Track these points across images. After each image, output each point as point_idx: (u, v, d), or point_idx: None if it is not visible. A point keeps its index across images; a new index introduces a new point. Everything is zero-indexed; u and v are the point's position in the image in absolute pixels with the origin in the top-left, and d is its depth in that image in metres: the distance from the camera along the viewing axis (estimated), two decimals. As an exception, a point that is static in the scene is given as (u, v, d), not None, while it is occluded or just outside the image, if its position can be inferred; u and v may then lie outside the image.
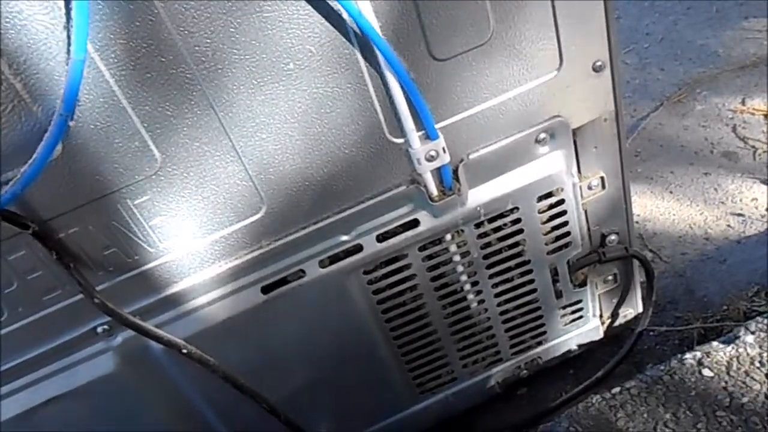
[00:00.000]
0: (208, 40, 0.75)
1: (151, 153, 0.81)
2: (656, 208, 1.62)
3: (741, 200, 1.55)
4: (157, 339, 0.91)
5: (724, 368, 1.03)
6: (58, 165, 0.78)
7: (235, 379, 0.98)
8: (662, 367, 1.07)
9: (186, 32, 0.74)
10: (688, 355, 1.08)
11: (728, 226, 1.51)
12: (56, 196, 0.81)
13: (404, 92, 0.84)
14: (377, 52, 0.80)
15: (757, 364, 1.02)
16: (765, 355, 1.03)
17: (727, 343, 1.07)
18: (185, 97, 0.79)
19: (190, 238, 0.90)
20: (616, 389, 1.07)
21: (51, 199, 0.81)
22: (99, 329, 0.95)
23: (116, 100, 0.76)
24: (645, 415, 1.02)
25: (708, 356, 1.06)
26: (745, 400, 0.98)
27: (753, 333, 1.06)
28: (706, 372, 1.04)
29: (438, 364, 1.17)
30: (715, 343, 1.08)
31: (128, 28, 0.72)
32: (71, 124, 0.74)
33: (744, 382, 1.00)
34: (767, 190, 1.55)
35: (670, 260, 1.49)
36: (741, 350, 1.04)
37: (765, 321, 1.08)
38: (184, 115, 0.80)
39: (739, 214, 1.53)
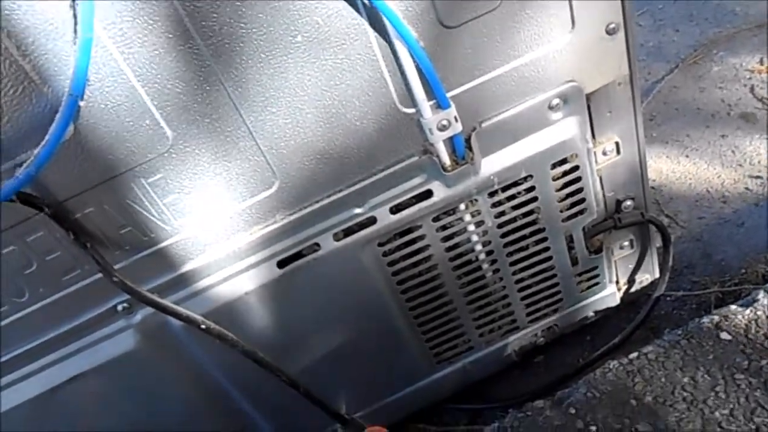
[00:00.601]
0: (215, 15, 0.75)
1: (163, 131, 0.81)
2: (672, 173, 1.60)
3: (759, 162, 1.53)
4: (176, 315, 0.92)
5: (742, 331, 1.03)
6: (70, 146, 0.79)
7: (254, 353, 0.99)
8: (679, 332, 1.07)
9: (192, 8, 0.73)
10: (705, 319, 1.08)
11: (746, 188, 1.49)
12: (70, 176, 0.81)
13: (414, 61, 0.83)
14: (386, 21, 0.79)
15: (776, 327, 1.01)
16: (784, 317, 1.02)
17: (745, 306, 1.07)
18: (194, 73, 0.78)
19: (205, 214, 0.91)
20: (634, 354, 1.07)
21: (65, 179, 0.82)
22: (119, 307, 0.96)
23: (126, 79, 0.76)
24: (663, 380, 1.02)
25: (726, 320, 1.06)
26: (763, 362, 0.98)
27: (772, 296, 1.06)
28: (724, 335, 1.04)
29: (454, 333, 1.18)
30: (733, 307, 1.08)
31: (135, 5, 0.72)
32: (81, 104, 0.74)
33: (762, 345, 1.00)
34: (786, 151, 1.52)
35: (686, 224, 1.48)
36: (759, 313, 1.04)
37: (784, 283, 1.07)
38: (194, 92, 0.80)
39: (757, 177, 1.50)
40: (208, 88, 0.80)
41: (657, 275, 1.26)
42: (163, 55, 0.76)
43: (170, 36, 0.74)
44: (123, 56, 0.74)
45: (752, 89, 1.69)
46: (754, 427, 0.92)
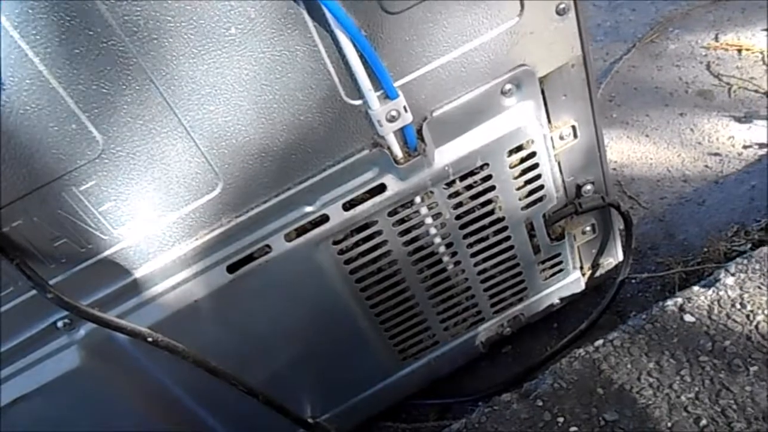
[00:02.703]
0: (138, 9, 0.69)
1: (91, 135, 0.76)
2: (633, 153, 1.59)
3: (717, 139, 1.53)
4: (120, 329, 0.87)
5: (705, 313, 1.02)
6: (-10, 155, 0.73)
7: (207, 363, 0.95)
8: (644, 316, 1.06)
9: (113, 2, 0.68)
10: (669, 302, 1.06)
11: (706, 166, 1.49)
12: (-7, 188, 0.76)
13: (357, 51, 0.79)
14: (324, 9, 0.75)
15: (738, 306, 1.00)
16: (745, 296, 1.01)
17: (708, 286, 1.05)
18: (121, 72, 0.73)
19: (145, 221, 0.86)
20: (599, 342, 1.06)
21: (-12, 192, 0.76)
22: (59, 324, 0.91)
23: (45, 81, 0.71)
24: (629, 366, 1.00)
25: (689, 301, 1.05)
26: (727, 343, 0.97)
27: (733, 275, 1.05)
28: (688, 318, 1.02)
29: (418, 329, 1.15)
30: (695, 288, 1.07)
31: (47, 2, 0.66)
32: (-6, 110, 0.68)
33: (725, 325, 0.99)
34: (743, 128, 1.52)
35: (649, 205, 1.47)
36: (722, 293, 1.03)
37: (744, 262, 1.06)
38: (123, 92, 0.75)
39: (716, 154, 1.50)
40: (137, 87, 0.75)
41: (621, 258, 1.24)
42: (85, 54, 0.70)
43: (90, 33, 0.69)
44: (39, 57, 0.69)
45: (708, 66, 1.69)
46: (719, 409, 0.91)
